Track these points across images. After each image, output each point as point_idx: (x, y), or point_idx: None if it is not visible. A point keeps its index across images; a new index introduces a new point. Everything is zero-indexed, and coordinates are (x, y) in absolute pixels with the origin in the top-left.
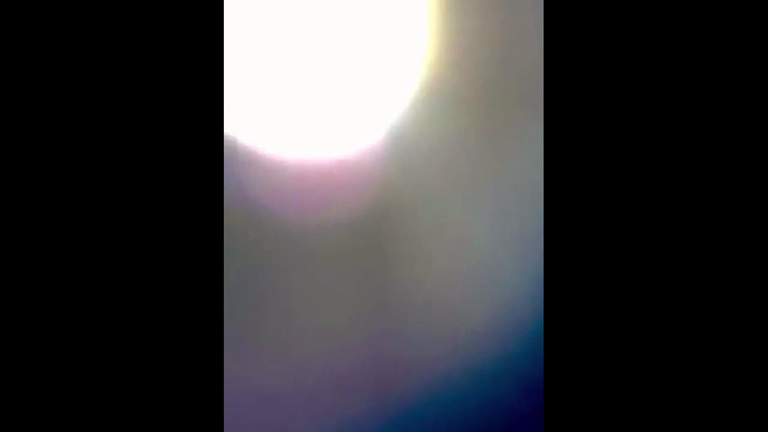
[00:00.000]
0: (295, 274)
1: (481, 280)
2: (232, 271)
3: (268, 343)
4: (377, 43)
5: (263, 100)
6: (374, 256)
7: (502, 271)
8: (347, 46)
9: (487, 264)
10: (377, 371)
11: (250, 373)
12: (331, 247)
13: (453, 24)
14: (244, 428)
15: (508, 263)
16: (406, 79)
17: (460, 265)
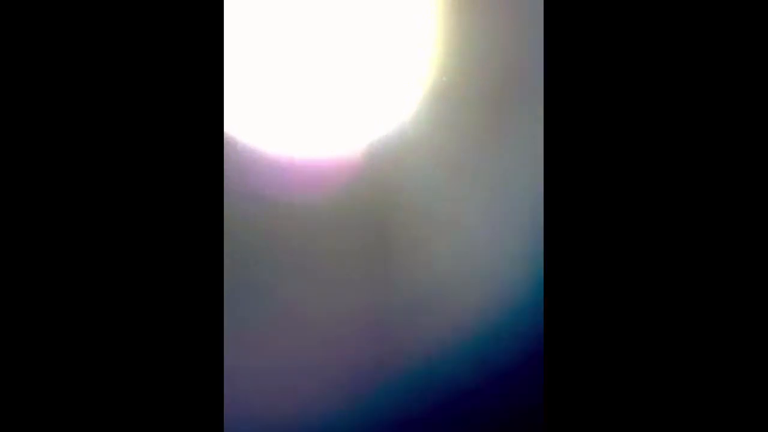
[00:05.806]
0: (295, 269)
1: (482, 275)
2: (231, 266)
3: (267, 337)
4: (378, 42)
5: (264, 99)
6: (375, 251)
7: (503, 266)
8: (348, 45)
9: (487, 259)
10: (377, 363)
11: (250, 364)
12: (332, 242)
13: (454, 23)
14: (244, 421)
15: (508, 258)
16: (407, 78)
17: (461, 260)
